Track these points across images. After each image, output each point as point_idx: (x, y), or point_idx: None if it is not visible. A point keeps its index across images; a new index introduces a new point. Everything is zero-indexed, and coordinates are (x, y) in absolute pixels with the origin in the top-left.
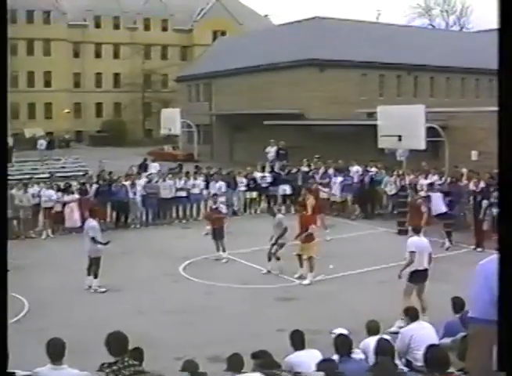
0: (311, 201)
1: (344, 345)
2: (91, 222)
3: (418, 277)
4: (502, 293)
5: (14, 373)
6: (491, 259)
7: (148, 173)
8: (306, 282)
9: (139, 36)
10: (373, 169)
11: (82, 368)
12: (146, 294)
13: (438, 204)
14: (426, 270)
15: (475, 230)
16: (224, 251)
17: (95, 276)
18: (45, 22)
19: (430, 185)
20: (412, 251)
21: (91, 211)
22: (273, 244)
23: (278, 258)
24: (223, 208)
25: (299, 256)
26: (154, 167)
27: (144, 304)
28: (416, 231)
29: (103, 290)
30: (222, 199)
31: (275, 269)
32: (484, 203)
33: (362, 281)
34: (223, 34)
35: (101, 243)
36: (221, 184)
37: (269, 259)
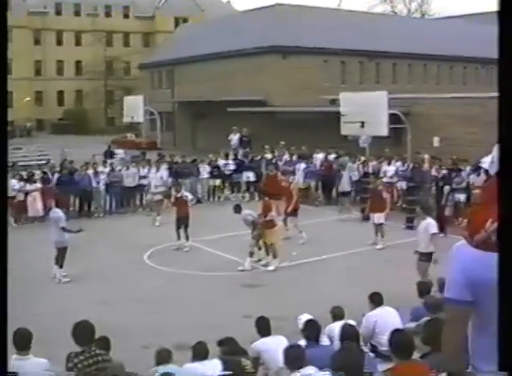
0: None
1: (312, 330)
2: (58, 213)
3: (429, 257)
4: (502, 294)
5: (15, 373)
6: (464, 243)
7: (113, 160)
8: (271, 268)
9: (101, 23)
10: (332, 156)
11: (48, 358)
12: (110, 283)
13: (345, 183)
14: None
15: (437, 216)
16: (187, 239)
17: (61, 266)
18: None
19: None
20: (435, 233)
21: (57, 200)
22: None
23: (251, 254)
24: (188, 197)
25: (265, 243)
26: (120, 153)
27: (109, 293)
28: (428, 213)
29: (68, 280)
30: (161, 189)
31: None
32: (446, 189)
33: (327, 267)
34: (185, 21)
35: (72, 231)
36: (164, 173)
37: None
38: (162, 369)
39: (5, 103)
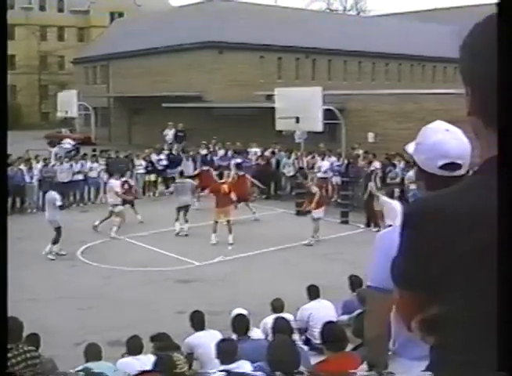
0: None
1: (241, 324)
2: (54, 194)
3: None
4: (501, 292)
5: (14, 373)
6: (390, 230)
7: (64, 149)
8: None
9: (35, 17)
10: (268, 151)
11: None
12: (42, 280)
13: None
14: None
15: (365, 210)
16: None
17: (54, 243)
18: None
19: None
20: None
21: None
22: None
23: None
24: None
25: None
26: (68, 143)
27: (41, 289)
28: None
29: (64, 253)
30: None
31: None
32: (370, 185)
33: (263, 262)
34: (121, 15)
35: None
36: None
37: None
38: (92, 366)
39: (5, 100)
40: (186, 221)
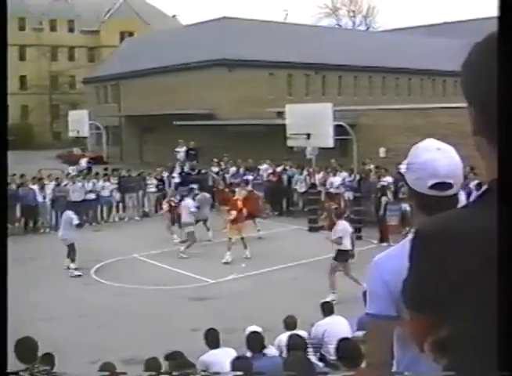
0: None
1: (255, 342)
2: (70, 214)
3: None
4: (501, 292)
5: (16, 372)
6: (386, 255)
7: (81, 168)
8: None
9: (45, 37)
10: (279, 168)
11: None
12: (57, 298)
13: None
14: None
15: (378, 226)
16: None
17: (72, 260)
18: None
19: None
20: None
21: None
22: None
23: None
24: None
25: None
26: (85, 161)
27: (55, 308)
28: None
29: (79, 273)
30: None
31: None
32: (384, 199)
33: (276, 279)
34: (131, 34)
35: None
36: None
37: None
38: None
39: (5, 103)
40: (208, 229)
